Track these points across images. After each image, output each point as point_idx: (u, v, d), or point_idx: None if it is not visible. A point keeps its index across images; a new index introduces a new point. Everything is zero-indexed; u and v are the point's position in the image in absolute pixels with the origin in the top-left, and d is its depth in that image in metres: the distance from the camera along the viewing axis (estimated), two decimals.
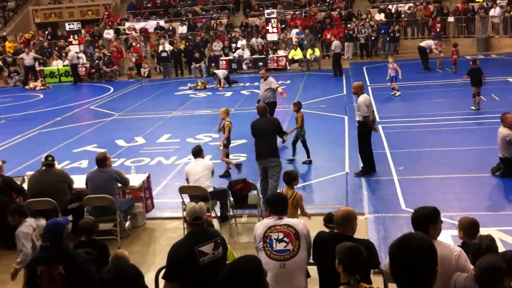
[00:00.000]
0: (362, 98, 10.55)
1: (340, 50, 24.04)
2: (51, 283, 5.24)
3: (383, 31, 27.16)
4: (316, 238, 5.12)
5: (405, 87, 18.81)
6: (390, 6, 29.79)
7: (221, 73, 23.01)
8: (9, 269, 7.94)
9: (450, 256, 4.25)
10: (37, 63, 27.66)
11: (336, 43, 23.83)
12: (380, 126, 13.51)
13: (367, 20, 28.03)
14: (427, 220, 4.38)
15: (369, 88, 18.71)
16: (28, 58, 26.59)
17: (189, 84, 23.16)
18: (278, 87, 13.84)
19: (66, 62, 27.54)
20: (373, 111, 11.06)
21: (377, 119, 13.42)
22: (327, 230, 5.73)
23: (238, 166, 11.35)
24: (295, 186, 7.60)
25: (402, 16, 28.69)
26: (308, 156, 11.98)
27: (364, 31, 27.08)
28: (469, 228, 5.29)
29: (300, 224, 5.28)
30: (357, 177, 10.68)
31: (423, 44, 23.08)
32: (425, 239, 2.91)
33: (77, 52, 26.89)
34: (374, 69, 23.46)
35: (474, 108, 15.23)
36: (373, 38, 27.21)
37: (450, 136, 13.10)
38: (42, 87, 25.50)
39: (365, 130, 10.69)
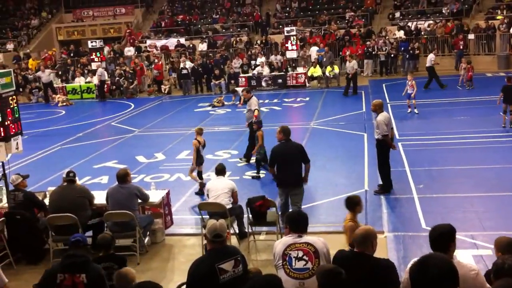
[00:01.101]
0: (382, 116, 10.51)
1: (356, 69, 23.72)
2: None
3: (402, 48, 27.13)
4: (336, 256, 5.08)
5: (425, 105, 18.72)
6: (409, 24, 29.77)
7: (241, 90, 23.13)
8: (30, 284, 8.04)
9: (468, 276, 4.21)
10: (59, 79, 28.12)
11: (354, 63, 23.56)
12: (399, 144, 13.47)
13: (387, 37, 28.03)
14: (448, 238, 4.35)
15: (389, 105, 18.65)
16: (44, 75, 27.04)
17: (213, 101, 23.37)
18: (256, 109, 13.51)
19: (89, 79, 27.96)
20: (392, 128, 11.00)
21: (397, 136, 13.37)
22: (346, 249, 5.70)
23: (202, 185, 11.42)
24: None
25: (422, 33, 28.64)
26: (258, 172, 12.45)
27: (384, 49, 27.07)
28: (506, 248, 5.09)
29: (319, 242, 5.26)
30: (376, 195, 10.62)
31: (428, 63, 23.00)
32: (446, 260, 2.91)
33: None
34: (393, 86, 23.39)
35: (504, 126, 15.07)
36: (392, 55, 27.18)
37: (471, 154, 12.99)
38: (64, 103, 25.86)
39: (384, 148, 10.65)
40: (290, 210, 8.80)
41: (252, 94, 14.20)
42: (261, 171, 12.49)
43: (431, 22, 29.36)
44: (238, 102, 22.55)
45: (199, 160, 11.57)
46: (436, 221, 8.90)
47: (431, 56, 23.11)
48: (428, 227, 8.80)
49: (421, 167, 12.16)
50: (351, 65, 23.09)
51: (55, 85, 27.67)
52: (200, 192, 11.45)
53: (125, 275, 5.48)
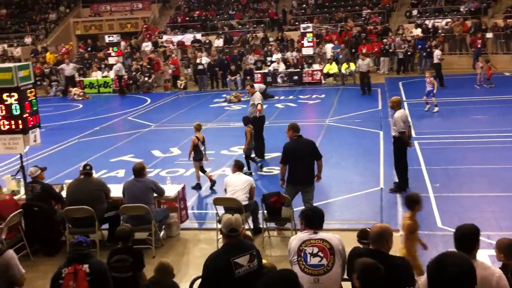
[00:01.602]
0: (399, 113, 10.47)
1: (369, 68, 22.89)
2: (73, 278, 5.42)
3: (419, 46, 26.94)
4: (351, 253, 5.09)
5: (442, 103, 18.59)
6: (427, 22, 29.54)
7: (257, 86, 23.13)
8: (47, 275, 8.13)
9: (490, 279, 4.16)
10: (77, 73, 28.36)
11: (368, 61, 23.00)
12: (416, 142, 13.40)
13: (404, 35, 27.85)
14: (472, 238, 4.33)
15: (405, 103, 18.55)
16: (68, 68, 27.27)
17: (226, 96, 23.42)
18: (259, 103, 13.56)
19: (105, 73, 28.17)
20: (410, 126, 10.95)
21: (413, 134, 13.29)
22: (361, 246, 5.70)
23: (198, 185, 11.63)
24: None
25: (439, 31, 28.40)
26: (249, 168, 12.42)
27: (403, 46, 26.90)
28: (507, 249, 5.11)
29: (335, 239, 5.26)
30: (392, 193, 10.58)
31: (434, 60, 22.81)
32: (465, 259, 2.89)
33: (114, 64, 27.40)
34: (410, 84, 23.26)
35: None
36: (409, 53, 27.00)
37: (488, 154, 12.88)
38: (80, 98, 26.08)
39: (401, 145, 10.60)
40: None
41: (256, 90, 14.25)
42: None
43: (449, 20, 29.11)
44: None
45: (198, 156, 11.59)
46: (452, 221, 8.91)
47: (437, 52, 22.90)
48: (444, 226, 8.81)
49: (437, 166, 12.09)
50: (365, 63, 22.57)
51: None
52: (197, 186, 11.61)
53: (166, 267, 5.58)
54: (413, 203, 6.70)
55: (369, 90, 22.28)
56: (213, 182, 11.64)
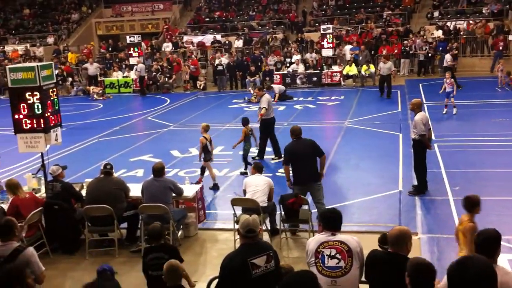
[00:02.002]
0: (419, 115, 10.39)
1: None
2: None
3: (440, 48, 26.71)
4: (369, 256, 5.06)
5: (463, 106, 18.41)
6: (448, 23, 29.28)
7: (277, 88, 23.16)
8: (66, 273, 8.25)
9: None
10: (99, 73, 28.67)
11: (389, 64, 22.22)
12: (435, 145, 13.29)
13: (425, 37, 27.63)
14: (493, 243, 4.29)
15: (425, 105, 18.37)
16: (91, 68, 27.53)
17: (246, 97, 23.47)
18: (264, 107, 13.64)
19: (126, 73, 28.42)
20: (430, 129, 10.86)
21: (433, 137, 13.17)
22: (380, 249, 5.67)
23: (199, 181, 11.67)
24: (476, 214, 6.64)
25: (461, 33, 28.13)
26: (245, 168, 12.62)
27: (424, 48, 26.70)
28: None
29: (353, 241, 5.23)
30: (410, 196, 10.51)
31: (444, 63, 22.57)
32: (486, 262, 2.86)
33: (136, 64, 27.59)
34: (430, 86, 23.06)
35: None
36: (430, 55, 26.78)
37: (509, 157, 12.71)
38: (101, 98, 26.35)
39: (421, 148, 10.52)
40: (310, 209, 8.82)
41: (265, 92, 14.34)
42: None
43: (470, 22, 28.81)
44: (272, 99, 22.55)
45: (207, 156, 11.68)
46: None
47: (447, 57, 22.62)
48: None
49: (457, 169, 11.97)
50: (387, 66, 21.87)
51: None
52: (215, 187, 11.71)
53: (176, 269, 5.57)
54: (473, 205, 6.58)
55: (389, 93, 21.77)
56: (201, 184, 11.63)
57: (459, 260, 2.88)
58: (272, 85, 23.40)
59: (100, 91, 26.84)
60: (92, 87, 27.18)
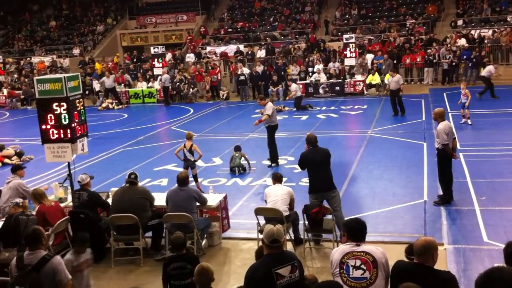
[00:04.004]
0: (442, 125, 10.30)
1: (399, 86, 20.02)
2: None
3: (465, 56, 26.45)
4: (395, 267, 5.02)
5: (488, 115, 18.20)
6: (472, 31, 29.00)
7: (295, 86, 23.26)
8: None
9: None
10: (122, 84, 29.00)
11: (397, 77, 20.33)
12: (461, 154, 13.13)
13: (449, 45, 27.40)
14: None
15: (450, 114, 18.21)
16: (108, 80, 27.92)
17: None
18: (267, 114, 13.98)
19: (151, 83, 28.73)
20: (455, 138, 10.74)
21: (458, 146, 13.07)
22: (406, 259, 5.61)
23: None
24: None
25: (486, 41, 27.83)
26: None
27: (448, 57, 26.48)
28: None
29: (378, 252, 5.19)
30: (436, 206, 10.39)
31: (484, 73, 22.21)
32: None
33: (160, 75, 27.86)
34: (454, 95, 22.77)
35: None
36: (454, 63, 26.55)
37: None
38: (116, 107, 26.76)
39: (445, 157, 10.42)
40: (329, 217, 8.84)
41: (267, 101, 14.64)
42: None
43: (495, 30, 28.51)
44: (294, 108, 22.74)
45: (185, 163, 12.44)
46: (498, 235, 8.70)
47: (490, 68, 22.28)
48: (490, 241, 8.60)
49: (483, 179, 11.82)
50: (395, 79, 19.98)
51: (118, 90, 28.65)
52: None
53: (206, 270, 5.53)
54: None
55: (402, 110, 19.92)
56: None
57: (487, 271, 2.86)
58: (293, 84, 23.42)
59: (114, 103, 27.22)
60: (108, 100, 27.55)
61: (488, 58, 26.79)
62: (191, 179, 11.06)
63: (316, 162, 9.13)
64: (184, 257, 6.64)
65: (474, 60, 25.90)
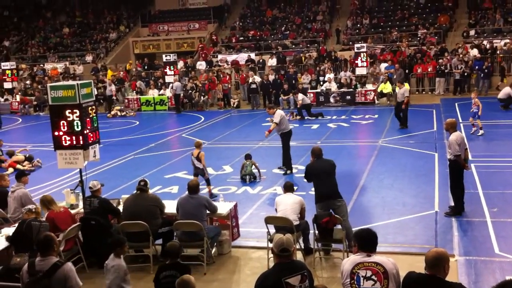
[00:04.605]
0: (454, 136, 10.27)
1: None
2: None
3: (477, 67, 26.37)
4: (406, 278, 5.00)
5: (501, 126, 18.09)
6: (484, 42, 28.90)
7: (301, 96, 23.17)
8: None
9: None
10: (134, 91, 29.20)
11: (402, 90, 19.55)
12: (473, 165, 13.05)
13: (461, 55, 27.33)
14: None
15: (461, 125, 18.13)
16: (108, 88, 28.15)
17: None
18: (275, 122, 14.19)
19: (162, 91, 28.89)
20: (467, 148, 10.69)
21: (470, 157, 13.02)
22: (417, 270, 5.58)
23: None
24: None
25: (498, 52, 27.72)
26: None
27: (460, 67, 26.41)
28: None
29: (389, 263, 5.17)
30: (447, 217, 10.33)
31: (501, 95, 21.96)
32: None
33: (172, 83, 28.00)
34: (466, 105, 22.68)
35: None
36: (466, 74, 26.46)
37: None
38: (126, 113, 26.98)
39: (457, 169, 10.37)
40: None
41: (276, 109, 14.69)
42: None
43: (507, 40, 28.39)
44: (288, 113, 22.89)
45: (194, 170, 12.60)
46: (509, 247, 8.64)
47: (507, 91, 21.89)
48: (501, 252, 8.54)
49: (495, 190, 11.74)
50: (401, 91, 19.40)
51: (130, 97, 28.91)
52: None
53: (187, 283, 5.53)
54: None
55: (405, 122, 19.41)
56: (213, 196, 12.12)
57: (500, 283, 2.85)
58: (299, 94, 23.43)
59: (122, 109, 27.51)
60: (114, 109, 27.85)
61: (498, 69, 26.67)
62: (202, 186, 11.09)
63: (320, 171, 9.21)
64: (176, 266, 6.66)
65: (486, 70, 25.80)
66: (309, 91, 26.66)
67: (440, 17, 33.15)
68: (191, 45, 37.77)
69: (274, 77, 27.69)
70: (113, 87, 28.61)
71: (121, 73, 32.51)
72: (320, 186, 9.18)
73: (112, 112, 27.31)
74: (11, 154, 17.07)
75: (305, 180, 9.81)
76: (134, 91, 29.55)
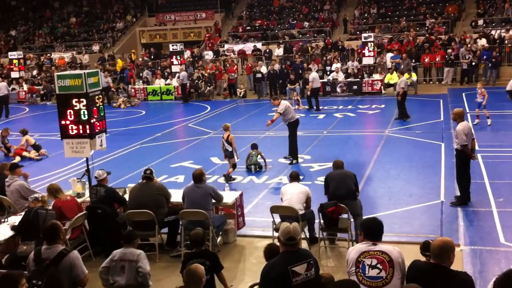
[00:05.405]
0: (461, 126, 10.21)
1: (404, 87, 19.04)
2: None
3: (485, 57, 26.18)
4: (411, 267, 5.00)
5: (508, 116, 17.98)
6: (493, 32, 28.67)
7: (311, 77, 23.08)
8: None
9: None
10: (140, 81, 29.21)
11: (402, 80, 19.28)
12: (479, 155, 13.00)
13: (469, 45, 27.14)
14: None
15: (468, 115, 18.04)
16: (104, 79, 28.13)
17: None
18: (277, 112, 14.24)
19: (169, 81, 28.89)
20: (474, 138, 10.63)
21: (477, 147, 12.97)
22: (423, 258, 5.59)
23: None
24: None
25: (506, 42, 27.50)
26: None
27: (468, 57, 26.24)
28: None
29: (394, 252, 5.17)
30: (453, 207, 10.31)
31: (509, 87, 21.67)
32: None
33: (178, 72, 27.98)
34: (473, 95, 22.53)
35: None
36: (473, 64, 26.29)
37: None
38: (125, 105, 27.01)
39: (464, 158, 10.33)
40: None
41: (280, 100, 14.61)
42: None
43: None
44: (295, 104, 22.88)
45: (224, 153, 13.20)
46: None
47: None
48: (507, 242, 8.52)
49: (501, 180, 11.71)
50: (398, 82, 19.32)
51: (136, 86, 28.89)
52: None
53: (194, 272, 5.51)
54: None
55: (401, 115, 19.18)
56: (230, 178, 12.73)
57: (506, 273, 2.84)
58: (312, 73, 23.33)
59: (126, 100, 27.56)
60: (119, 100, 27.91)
61: (505, 58, 26.44)
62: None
63: (338, 178, 9.05)
64: (203, 253, 6.69)
65: (494, 60, 25.61)
66: None
67: (448, 7, 32.92)
68: (198, 35, 37.69)
69: (280, 67, 27.60)
70: (109, 79, 28.56)
71: (129, 62, 32.52)
72: (335, 186, 8.94)
73: (118, 103, 27.36)
74: (25, 132, 17.17)
75: (325, 189, 9.31)
76: (141, 81, 29.48)
